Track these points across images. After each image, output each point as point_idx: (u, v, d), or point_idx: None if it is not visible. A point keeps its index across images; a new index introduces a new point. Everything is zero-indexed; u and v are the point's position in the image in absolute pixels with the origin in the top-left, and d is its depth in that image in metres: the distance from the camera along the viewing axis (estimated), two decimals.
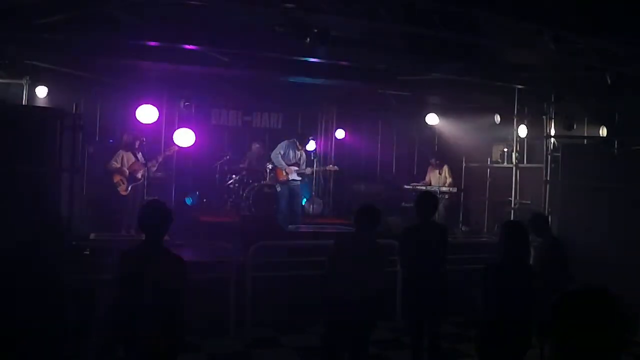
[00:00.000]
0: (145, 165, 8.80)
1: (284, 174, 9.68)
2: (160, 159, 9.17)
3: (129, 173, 8.75)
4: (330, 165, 10.87)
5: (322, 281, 4.76)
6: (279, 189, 9.88)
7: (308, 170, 10.01)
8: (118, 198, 8.68)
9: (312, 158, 10.15)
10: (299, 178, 9.78)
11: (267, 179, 10.64)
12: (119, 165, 8.70)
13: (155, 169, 9.01)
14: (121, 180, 8.69)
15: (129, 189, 8.72)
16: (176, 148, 9.76)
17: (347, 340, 4.67)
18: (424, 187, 10.30)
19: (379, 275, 4.70)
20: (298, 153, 9.80)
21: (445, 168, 10.72)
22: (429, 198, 5.49)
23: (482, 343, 3.97)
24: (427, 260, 5.14)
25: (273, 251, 6.79)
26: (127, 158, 8.80)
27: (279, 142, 10.09)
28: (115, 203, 8.71)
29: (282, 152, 9.74)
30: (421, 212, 5.30)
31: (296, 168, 9.71)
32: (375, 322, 4.80)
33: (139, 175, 8.80)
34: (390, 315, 7.06)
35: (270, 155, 10.57)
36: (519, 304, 3.83)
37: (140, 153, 8.91)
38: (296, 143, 9.82)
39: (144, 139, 9.04)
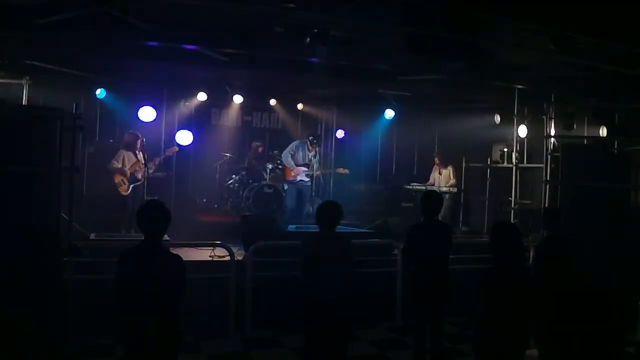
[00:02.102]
0: (145, 165, 8.79)
1: (292, 174, 9.66)
2: (158, 160, 9.16)
3: (130, 173, 8.74)
4: (340, 169, 10.78)
5: (297, 284, 4.75)
6: (285, 187, 9.85)
7: (317, 173, 9.93)
8: (118, 198, 8.67)
9: (312, 159, 10.12)
10: (307, 179, 9.73)
11: (267, 179, 10.64)
12: (119, 166, 8.69)
13: (152, 170, 8.99)
14: (122, 180, 8.68)
15: (130, 189, 8.72)
16: (176, 148, 9.77)
17: (327, 342, 4.64)
18: (423, 187, 10.29)
19: (350, 274, 4.67)
20: (309, 154, 9.75)
21: (450, 169, 10.69)
22: (435, 197, 5.52)
23: (480, 344, 3.96)
24: (432, 259, 5.15)
25: (273, 251, 6.78)
26: (128, 158, 8.79)
27: (279, 142, 10.07)
28: (116, 203, 8.69)
29: (292, 153, 9.72)
30: (426, 211, 5.32)
31: (305, 169, 9.67)
32: (350, 323, 4.76)
33: (140, 176, 8.79)
34: (391, 315, 7.06)
35: (270, 155, 10.59)
36: (515, 305, 3.82)
37: (140, 153, 8.90)
38: (307, 144, 9.79)
39: (145, 139, 9.04)
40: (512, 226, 4.21)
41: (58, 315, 5.15)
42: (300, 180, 9.66)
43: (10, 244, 4.83)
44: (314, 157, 9.78)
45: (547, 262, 5.26)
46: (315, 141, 9.80)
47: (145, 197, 8.43)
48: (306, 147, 9.76)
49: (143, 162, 8.81)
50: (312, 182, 9.71)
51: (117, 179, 8.67)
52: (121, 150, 8.83)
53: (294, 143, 9.90)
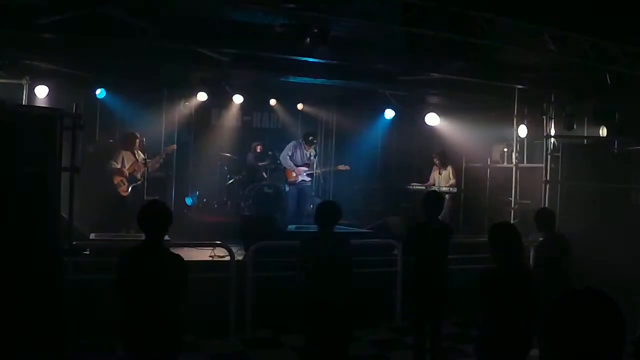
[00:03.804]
0: (144, 165, 8.79)
1: (293, 175, 9.65)
2: (157, 159, 9.15)
3: (129, 174, 8.74)
4: (341, 165, 10.75)
5: (295, 284, 4.73)
6: (287, 189, 9.85)
7: (318, 172, 9.89)
8: (118, 198, 8.67)
9: (312, 157, 10.12)
10: (309, 179, 9.71)
11: (267, 179, 10.64)
12: (118, 166, 8.69)
13: (152, 169, 8.99)
14: (121, 181, 8.68)
15: (129, 189, 8.72)
16: (175, 146, 9.78)
17: (327, 342, 4.64)
18: (423, 187, 10.29)
19: (349, 274, 4.66)
20: (307, 153, 9.73)
21: (449, 169, 10.68)
22: (436, 197, 5.53)
23: (482, 345, 3.95)
24: (432, 259, 5.15)
25: (273, 251, 6.79)
26: (127, 158, 8.79)
27: (279, 142, 10.04)
28: (115, 203, 8.69)
29: (290, 154, 9.71)
30: (427, 211, 5.33)
31: (305, 169, 9.65)
32: (350, 323, 4.75)
33: (139, 176, 8.79)
34: (391, 315, 7.06)
35: (269, 155, 10.56)
36: (517, 305, 3.81)
37: (139, 153, 8.90)
38: (302, 143, 9.78)
39: (144, 139, 9.04)
40: (511, 226, 4.20)
41: (58, 315, 5.15)
42: (302, 180, 9.66)
43: (10, 244, 4.83)
44: (314, 156, 9.78)
45: (547, 263, 5.26)
46: (314, 140, 9.80)
47: (145, 197, 8.43)
48: (302, 146, 9.76)
49: (142, 162, 8.81)
50: (312, 181, 9.71)
51: (117, 179, 8.67)
52: (120, 151, 8.83)
53: (289, 144, 9.92)
